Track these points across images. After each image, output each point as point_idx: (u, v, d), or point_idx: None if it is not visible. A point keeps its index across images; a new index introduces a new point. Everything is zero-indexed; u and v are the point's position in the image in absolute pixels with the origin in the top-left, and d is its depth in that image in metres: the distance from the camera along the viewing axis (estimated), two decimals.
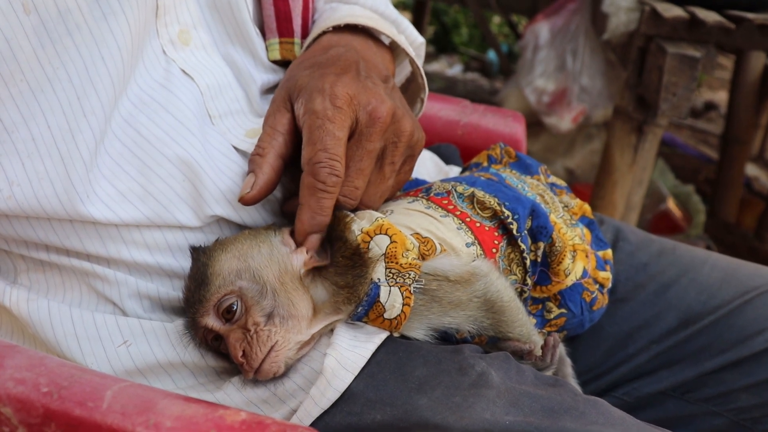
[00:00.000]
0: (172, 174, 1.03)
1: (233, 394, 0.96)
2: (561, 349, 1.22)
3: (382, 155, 1.05)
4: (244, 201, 1.00)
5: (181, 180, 1.04)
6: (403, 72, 1.39)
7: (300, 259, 0.99)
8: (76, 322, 1.01)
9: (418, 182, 1.26)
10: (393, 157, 1.05)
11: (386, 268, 0.97)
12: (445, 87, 6.09)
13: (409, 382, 0.92)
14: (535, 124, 3.74)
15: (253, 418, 0.63)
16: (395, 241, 0.98)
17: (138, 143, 1.03)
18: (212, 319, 0.96)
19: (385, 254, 0.97)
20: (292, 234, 1.00)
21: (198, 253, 0.99)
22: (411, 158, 1.11)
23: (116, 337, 1.00)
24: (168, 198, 1.03)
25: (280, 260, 0.98)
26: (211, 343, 0.98)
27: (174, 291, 1.05)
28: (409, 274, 0.97)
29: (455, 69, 6.90)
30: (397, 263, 0.97)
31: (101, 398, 0.64)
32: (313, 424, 0.92)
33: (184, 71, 1.10)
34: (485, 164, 1.32)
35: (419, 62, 1.40)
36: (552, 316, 1.15)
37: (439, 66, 6.92)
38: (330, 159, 0.96)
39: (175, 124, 1.05)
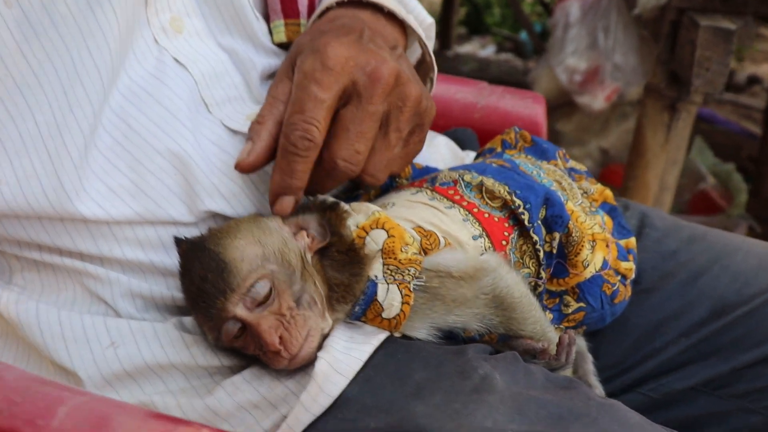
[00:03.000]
0: (163, 168, 0.99)
1: (224, 400, 0.92)
2: (582, 344, 1.16)
3: (387, 121, 0.98)
4: (240, 168, 0.96)
5: (173, 174, 1.00)
6: (414, 55, 1.33)
7: (303, 243, 0.94)
8: (64, 324, 0.98)
9: (429, 170, 1.19)
10: (398, 123, 0.99)
11: (384, 265, 0.91)
12: (478, 68, 5.97)
13: (406, 386, 0.86)
14: (567, 105, 3.64)
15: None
16: (393, 236, 0.92)
17: (128, 137, 0.99)
18: (240, 308, 0.88)
19: (382, 250, 0.91)
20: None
21: (192, 243, 0.93)
22: (420, 128, 1.04)
23: (104, 339, 0.97)
24: (160, 193, 0.99)
25: (292, 244, 0.93)
26: (233, 338, 0.90)
27: (168, 290, 1.01)
28: (409, 271, 0.91)
29: (488, 50, 6.78)
30: (395, 259, 0.91)
31: (53, 415, 0.60)
32: (305, 431, 0.87)
33: (176, 60, 1.06)
34: (499, 150, 1.24)
35: (429, 44, 1.33)
36: (570, 310, 1.08)
37: (472, 47, 6.80)
38: (304, 122, 0.91)
39: (166, 116, 1.01)
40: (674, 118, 2.22)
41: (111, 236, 0.99)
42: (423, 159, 1.36)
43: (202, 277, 0.89)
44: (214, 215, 1.02)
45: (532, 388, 0.87)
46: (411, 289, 0.91)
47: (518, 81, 4.25)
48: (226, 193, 1.01)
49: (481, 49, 6.82)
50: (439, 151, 1.42)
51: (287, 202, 0.94)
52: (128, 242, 1.00)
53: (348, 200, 1.03)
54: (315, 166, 0.95)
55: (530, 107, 1.48)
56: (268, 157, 0.97)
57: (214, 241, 0.91)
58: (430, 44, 1.36)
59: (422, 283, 0.91)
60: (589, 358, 1.15)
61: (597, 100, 3.51)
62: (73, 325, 0.97)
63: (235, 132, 1.05)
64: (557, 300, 1.08)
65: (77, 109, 0.96)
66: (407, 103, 0.98)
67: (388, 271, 0.91)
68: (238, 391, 0.91)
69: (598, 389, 1.11)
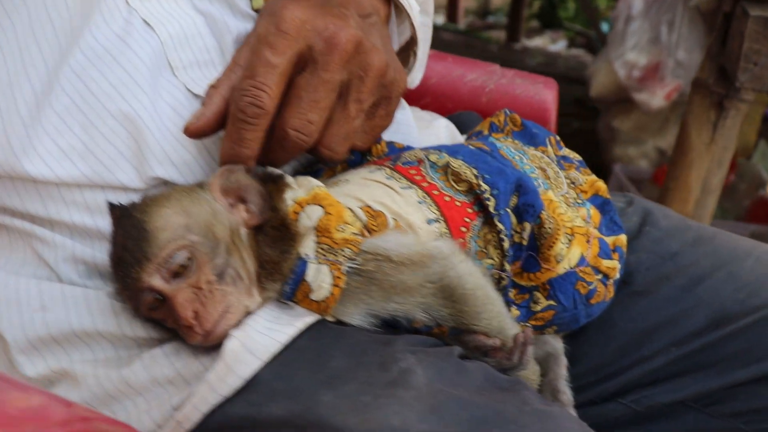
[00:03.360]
0: (115, 131, 0.96)
1: (139, 372, 0.88)
2: (557, 346, 1.07)
3: (346, 91, 0.92)
4: (188, 132, 0.92)
5: (125, 137, 0.96)
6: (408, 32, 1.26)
7: (238, 217, 0.89)
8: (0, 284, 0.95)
9: (408, 150, 1.12)
10: (359, 93, 0.93)
11: (317, 243, 0.85)
12: (545, 63, 5.82)
13: (320, 373, 0.81)
14: (624, 101, 3.48)
15: (43, 405, 0.52)
16: (330, 213, 0.85)
17: (85, 98, 0.97)
18: (156, 278, 0.84)
19: (316, 227, 0.85)
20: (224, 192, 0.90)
21: (123, 210, 0.89)
22: (387, 101, 0.98)
23: (35, 303, 0.94)
24: (109, 156, 0.96)
25: (223, 217, 0.88)
26: (149, 309, 0.87)
27: None
28: (344, 251, 0.85)
29: (559, 45, 6.61)
30: (329, 238, 0.85)
31: None
32: (212, 413, 0.82)
33: (145, 22, 1.02)
34: (486, 133, 1.16)
35: (427, 19, 1.26)
36: (539, 308, 0.99)
37: (542, 41, 6.64)
38: (254, 87, 0.86)
39: (124, 77, 0.98)
40: (721, 117, 2.07)
41: (59, 198, 0.97)
42: (420, 140, 1.29)
43: (123, 246, 0.85)
44: (165, 183, 0.98)
45: (459, 387, 0.80)
46: (343, 272, 0.84)
47: (584, 77, 4.09)
48: (176, 160, 0.97)
49: (552, 43, 6.66)
50: (437, 134, 1.35)
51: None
52: (76, 205, 0.97)
53: (307, 175, 0.97)
54: (268, 136, 0.90)
55: (541, 92, 1.39)
56: (219, 123, 0.92)
57: (141, 209, 0.87)
58: (429, 20, 1.28)
59: (356, 266, 0.85)
60: (563, 361, 1.06)
61: (656, 98, 3.35)
62: (7, 286, 0.95)
63: (197, 97, 1.01)
64: (527, 296, 1.00)
65: (30, 67, 0.94)
66: (369, 73, 0.92)
67: (321, 251, 0.85)
68: (155, 364, 0.87)
69: (566, 395, 1.02)
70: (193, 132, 0.92)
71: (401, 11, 1.18)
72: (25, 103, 0.93)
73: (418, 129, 1.32)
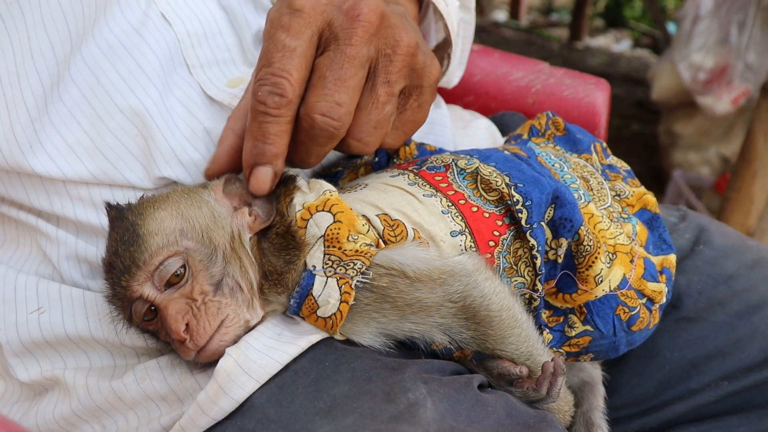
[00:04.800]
0: (123, 127, 0.91)
1: (131, 386, 0.81)
2: (595, 374, 0.98)
3: (374, 71, 0.82)
4: (207, 176, 0.87)
5: (134, 135, 0.90)
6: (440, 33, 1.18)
7: (241, 221, 0.82)
8: None
9: (441, 153, 1.03)
10: (388, 74, 0.82)
11: (325, 254, 0.77)
12: (606, 63, 5.66)
13: (320, 401, 0.73)
14: (687, 105, 3.32)
15: None
16: (339, 221, 0.77)
17: (94, 91, 0.91)
18: (148, 287, 0.78)
19: (324, 236, 0.77)
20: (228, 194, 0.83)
21: (119, 211, 0.82)
22: (418, 90, 0.88)
23: (32, 303, 0.88)
24: (117, 154, 0.90)
25: (224, 221, 0.81)
26: (143, 320, 0.80)
27: None
28: (354, 264, 0.77)
29: (623, 45, 6.42)
30: (339, 249, 0.77)
31: None
32: None
33: (163, 16, 0.97)
34: (525, 137, 1.07)
35: (468, 16, 1.17)
36: (573, 333, 0.90)
37: (605, 41, 6.46)
38: (273, 75, 0.77)
39: (135, 71, 0.92)
40: None
41: (65, 194, 0.92)
42: (455, 142, 1.21)
43: (113, 251, 0.79)
44: (174, 183, 0.92)
45: (474, 424, 0.71)
46: (352, 287, 0.76)
47: (646, 79, 3.94)
48: (185, 161, 0.90)
49: (615, 43, 6.48)
50: (476, 135, 1.26)
51: (263, 175, 0.80)
52: (82, 202, 0.91)
53: (347, 167, 0.90)
54: (294, 129, 0.81)
55: (591, 94, 1.29)
56: (236, 160, 0.85)
57: (136, 212, 0.80)
58: (470, 16, 1.20)
59: (368, 281, 0.77)
60: (600, 391, 0.96)
61: (722, 103, 3.18)
62: (6, 282, 0.90)
63: (212, 99, 0.95)
64: (561, 319, 0.91)
65: (39, 58, 0.88)
66: (397, 50, 0.82)
67: (329, 262, 0.77)
68: (147, 378, 0.80)
69: (601, 430, 0.93)
70: (212, 176, 0.86)
71: (436, 9, 1.10)
72: (32, 94, 0.88)
73: (455, 130, 1.23)
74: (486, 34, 6.10)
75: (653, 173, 3.60)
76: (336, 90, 0.78)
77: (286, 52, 0.78)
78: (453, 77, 1.17)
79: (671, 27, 5.00)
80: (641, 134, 4.13)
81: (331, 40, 0.80)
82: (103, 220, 0.91)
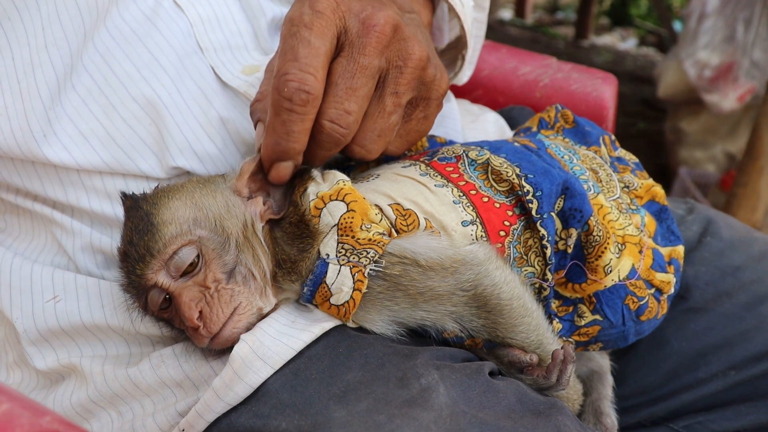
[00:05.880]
0: (136, 116, 0.92)
1: (147, 373, 0.83)
2: (604, 364, 0.99)
3: (383, 82, 0.84)
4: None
5: (147, 124, 0.92)
6: (453, 31, 1.19)
7: (254, 210, 0.83)
8: (14, 271, 0.92)
9: (451, 144, 1.04)
10: (397, 86, 0.83)
11: (338, 243, 0.78)
12: (612, 61, 5.66)
13: (334, 386, 0.74)
14: (693, 102, 3.32)
15: (7, 413, 0.47)
16: (353, 210, 0.79)
17: (108, 79, 0.92)
18: (162, 275, 0.79)
19: (337, 225, 0.79)
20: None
21: (134, 201, 0.84)
22: (425, 102, 0.89)
23: (48, 292, 0.90)
24: (130, 143, 0.91)
25: (238, 210, 0.82)
26: (158, 309, 0.81)
27: None
28: (367, 253, 0.78)
29: (628, 43, 6.42)
30: (352, 237, 0.78)
31: None
32: (216, 422, 0.76)
33: (175, 2, 0.97)
34: (534, 129, 1.08)
35: (481, 15, 1.18)
36: (583, 322, 0.91)
37: (611, 39, 6.46)
38: (300, 71, 0.76)
39: (148, 59, 0.93)
40: None
41: (80, 184, 0.93)
42: (464, 135, 1.22)
43: (128, 240, 0.80)
44: (187, 173, 0.93)
45: (485, 409, 0.72)
46: (365, 275, 0.77)
47: (652, 77, 3.94)
48: (199, 151, 0.91)
49: (621, 41, 6.48)
50: (485, 128, 1.27)
51: (285, 169, 0.81)
52: (96, 192, 0.93)
53: (336, 168, 0.91)
54: None
55: (599, 88, 1.30)
56: None
57: (151, 201, 0.81)
58: (484, 15, 1.21)
59: (380, 269, 0.78)
60: (609, 380, 0.98)
61: (727, 100, 3.18)
62: (22, 272, 0.91)
63: (226, 85, 0.96)
64: (571, 308, 0.92)
65: (53, 48, 0.90)
66: (408, 62, 0.84)
67: (343, 251, 0.78)
68: (162, 365, 0.82)
69: (610, 418, 0.94)
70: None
71: (450, 8, 1.11)
72: (46, 83, 0.89)
73: (464, 123, 1.24)
74: (492, 32, 6.10)
75: (659, 170, 3.60)
76: (346, 98, 0.80)
77: (311, 50, 0.78)
78: (463, 76, 1.18)
79: (677, 25, 5.00)
80: (647, 132, 4.13)
81: (345, 45, 0.81)
82: (117, 211, 0.92)
